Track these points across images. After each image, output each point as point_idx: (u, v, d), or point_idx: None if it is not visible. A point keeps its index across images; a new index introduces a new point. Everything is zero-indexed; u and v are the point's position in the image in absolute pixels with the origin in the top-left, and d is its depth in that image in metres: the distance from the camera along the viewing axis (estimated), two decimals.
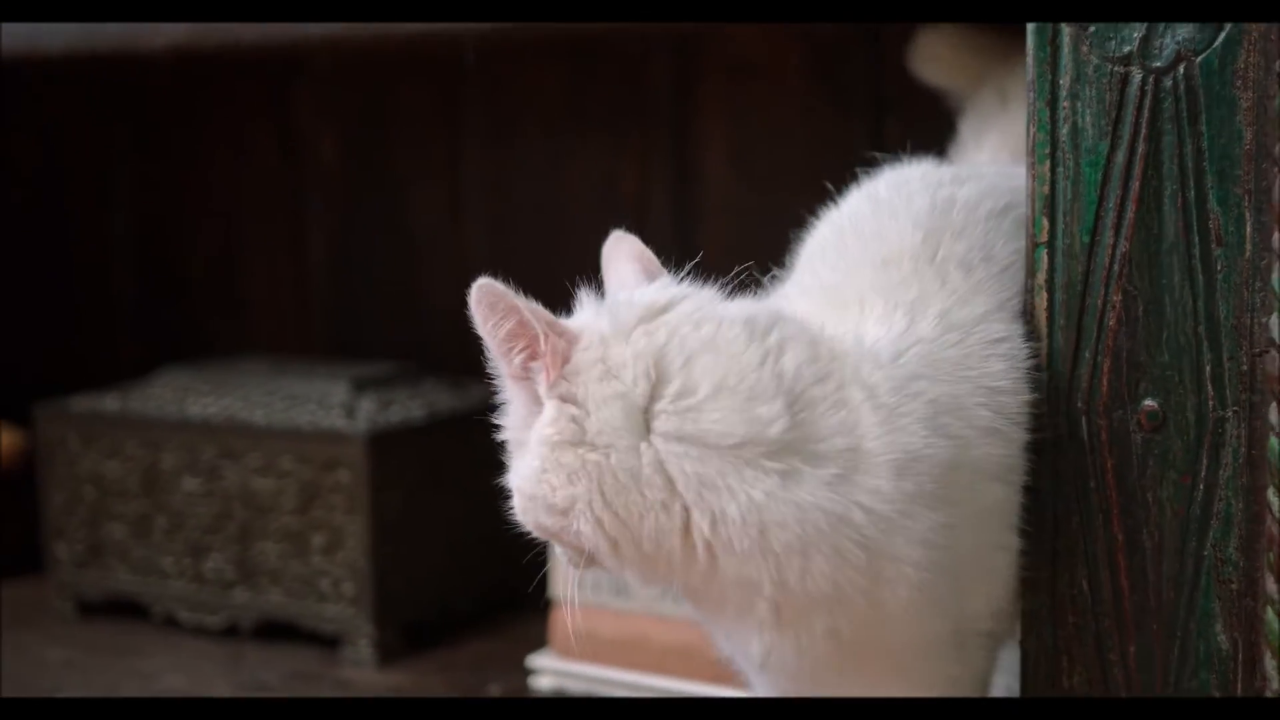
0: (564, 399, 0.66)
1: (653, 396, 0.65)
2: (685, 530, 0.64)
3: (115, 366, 1.53)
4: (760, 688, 0.73)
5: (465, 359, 1.45)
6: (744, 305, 0.68)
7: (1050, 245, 0.67)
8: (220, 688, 1.09)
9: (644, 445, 0.64)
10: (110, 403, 1.24)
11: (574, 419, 0.65)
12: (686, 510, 0.64)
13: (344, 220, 1.50)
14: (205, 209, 1.56)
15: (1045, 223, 0.67)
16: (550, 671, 1.08)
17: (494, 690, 1.08)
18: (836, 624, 0.64)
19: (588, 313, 0.69)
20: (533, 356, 0.66)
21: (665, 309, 0.67)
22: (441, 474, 1.19)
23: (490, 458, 1.19)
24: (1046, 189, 0.67)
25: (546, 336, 0.66)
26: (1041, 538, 0.68)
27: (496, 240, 1.45)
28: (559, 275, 1.42)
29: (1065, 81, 0.66)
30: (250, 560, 1.18)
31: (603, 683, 1.06)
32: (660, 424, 0.64)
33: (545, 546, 1.14)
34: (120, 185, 1.59)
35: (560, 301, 1.36)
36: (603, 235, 1.38)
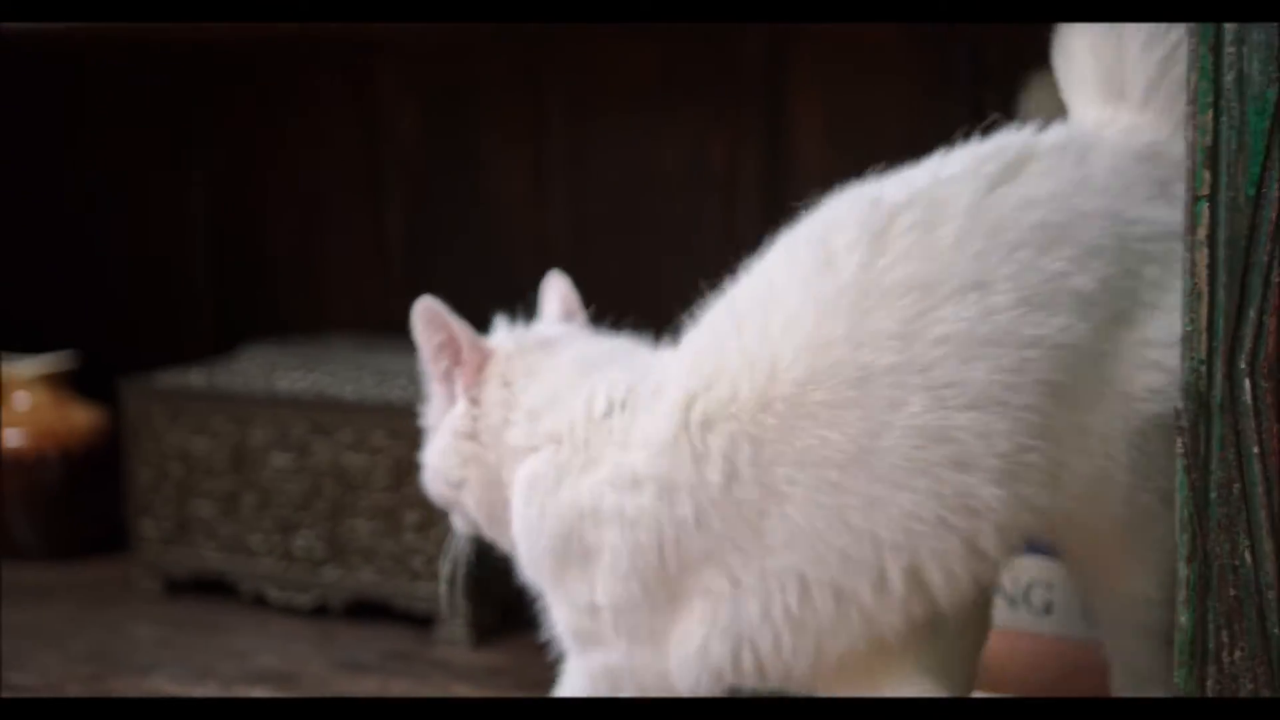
0: (472, 400, 0.82)
1: (512, 405, 0.81)
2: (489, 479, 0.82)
3: (196, 346, 1.52)
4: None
5: None
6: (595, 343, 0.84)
7: (1212, 199, 0.64)
8: (315, 667, 1.08)
9: (500, 442, 0.81)
10: (196, 378, 1.23)
11: (474, 417, 0.82)
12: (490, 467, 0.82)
13: (424, 196, 1.49)
14: (284, 186, 1.54)
15: (1207, 175, 0.64)
16: None
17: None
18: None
19: (502, 334, 0.85)
20: (456, 363, 0.82)
21: (553, 343, 0.83)
22: None
23: None
24: (1209, 140, 0.64)
25: (469, 349, 0.82)
26: (1201, 506, 0.65)
27: (579, 215, 1.43)
28: (644, 251, 1.40)
29: (1231, 25, 0.63)
30: (341, 538, 1.16)
31: None
32: (511, 427, 0.81)
33: None
34: (199, 164, 1.57)
35: (644, 275, 1.35)
36: (692, 211, 1.37)
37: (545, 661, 1.07)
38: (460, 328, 0.82)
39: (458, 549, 0.91)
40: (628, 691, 0.79)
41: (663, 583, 0.75)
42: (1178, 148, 0.67)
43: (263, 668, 1.08)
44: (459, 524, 0.88)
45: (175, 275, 1.59)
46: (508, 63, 1.42)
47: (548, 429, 0.79)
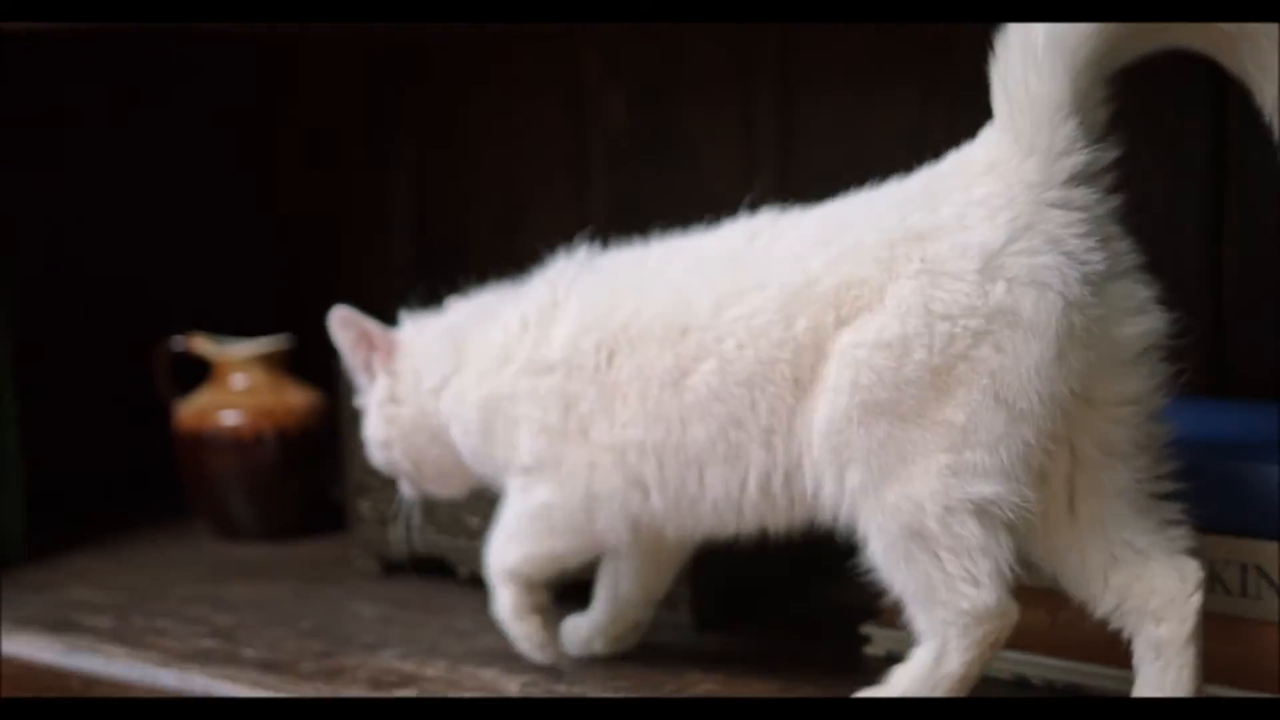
0: (388, 373, 1.04)
1: (418, 372, 1.04)
2: (441, 442, 1.03)
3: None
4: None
5: None
6: (465, 301, 1.08)
7: None
8: None
9: (418, 400, 1.03)
10: None
11: (390, 385, 1.04)
12: (435, 433, 1.03)
13: (630, 180, 1.48)
14: (488, 170, 1.55)
15: None
16: (884, 638, 1.03)
17: (822, 656, 1.04)
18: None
19: (407, 327, 1.06)
20: (371, 350, 1.05)
21: (433, 324, 1.06)
22: None
23: None
24: None
25: (379, 337, 1.05)
26: None
27: (790, 198, 1.40)
28: None
29: None
30: None
31: None
32: (422, 386, 1.03)
33: None
34: (401, 147, 1.59)
35: None
36: None
37: (773, 648, 1.06)
38: (370, 323, 1.05)
39: (407, 511, 1.14)
40: (559, 523, 0.98)
41: (564, 440, 0.96)
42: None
43: (488, 648, 1.08)
44: (405, 489, 1.08)
45: (380, 260, 1.61)
46: (716, 45, 1.41)
47: (457, 359, 1.02)
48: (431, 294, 1.58)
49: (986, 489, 0.81)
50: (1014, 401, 0.80)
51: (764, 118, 1.40)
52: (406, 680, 1.02)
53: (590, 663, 1.04)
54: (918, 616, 0.86)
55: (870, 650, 1.04)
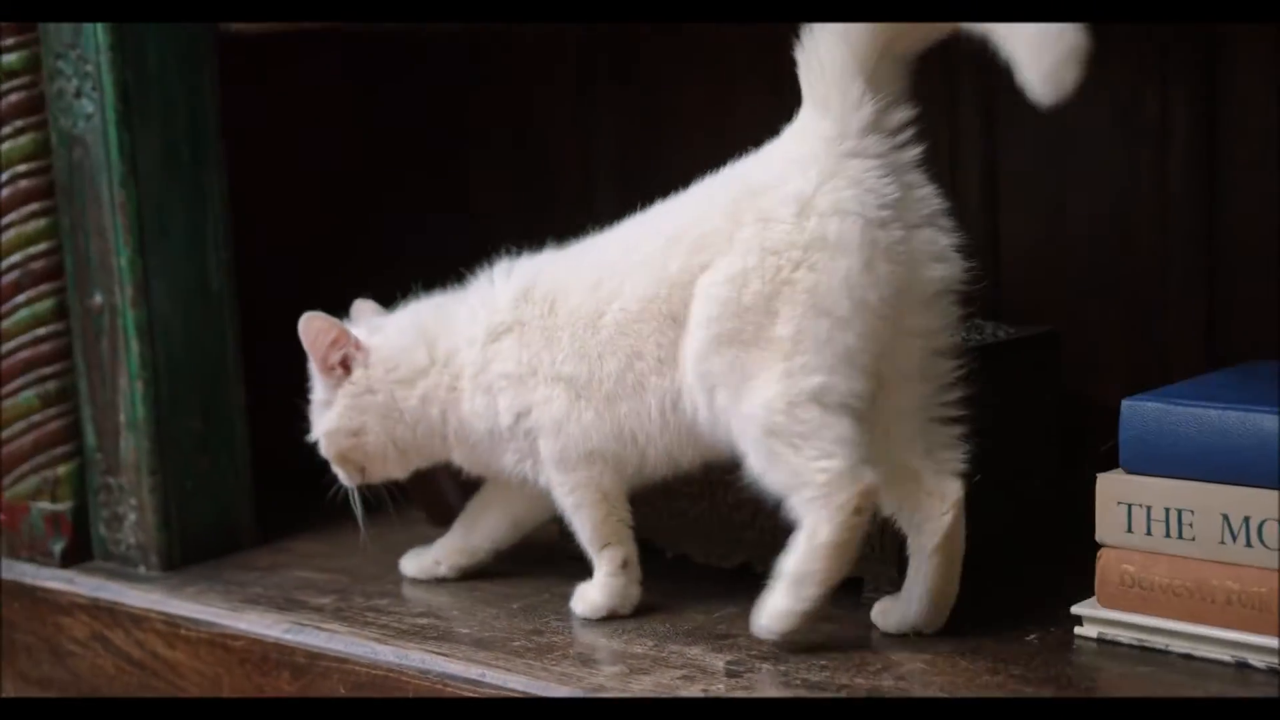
0: (364, 367, 1.16)
1: (387, 364, 1.17)
2: (408, 425, 1.17)
3: None
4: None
5: (965, 300, 1.40)
6: (425, 300, 1.21)
7: None
8: (744, 627, 1.07)
9: (388, 390, 1.16)
10: None
11: (366, 380, 1.16)
12: (402, 414, 1.17)
13: None
14: (689, 160, 1.56)
15: None
16: (1095, 620, 1.01)
17: (1032, 639, 1.03)
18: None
19: (360, 329, 1.19)
20: (344, 350, 1.17)
21: (384, 324, 1.19)
22: None
23: (1006, 398, 1.14)
24: None
25: (354, 337, 1.17)
26: None
27: (996, 179, 1.38)
28: (1072, 210, 1.35)
29: None
30: (763, 500, 1.15)
31: (1156, 633, 0.98)
32: (389, 378, 1.16)
33: (1074, 492, 1.08)
34: (602, 139, 1.61)
35: (1069, 233, 1.28)
36: (1125, 168, 1.30)
37: (984, 630, 1.05)
38: (343, 325, 1.17)
39: (355, 498, 1.22)
40: (569, 454, 1.11)
41: (521, 381, 1.12)
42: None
43: (695, 626, 1.09)
44: (344, 477, 1.20)
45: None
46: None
47: (430, 354, 1.16)
48: None
49: (816, 380, 0.96)
50: (831, 310, 0.96)
51: (967, 94, 1.38)
52: (615, 657, 1.04)
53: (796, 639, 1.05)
54: (794, 508, 0.99)
55: (1081, 632, 1.02)
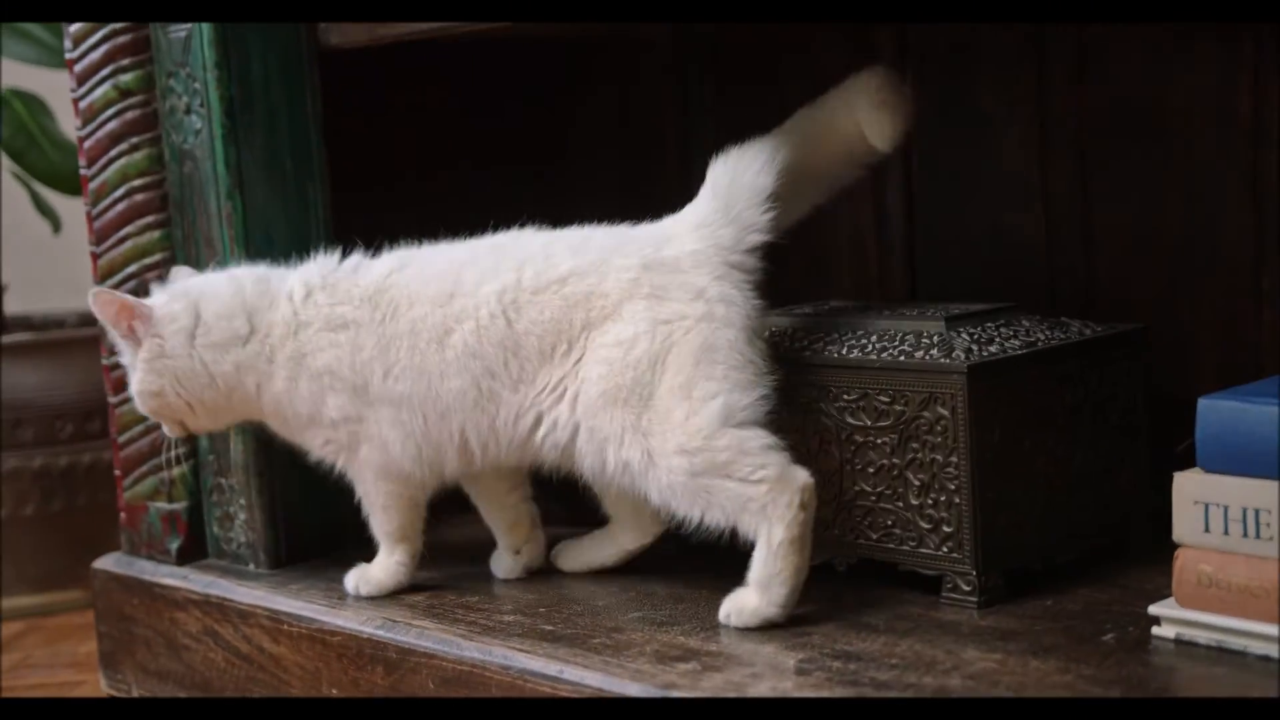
0: (155, 335, 1.23)
1: (194, 329, 1.23)
2: (220, 390, 1.23)
3: None
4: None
5: (1055, 297, 1.39)
6: (242, 270, 1.27)
7: None
8: (824, 625, 1.09)
9: (191, 352, 1.23)
10: None
11: (160, 345, 1.23)
12: (214, 379, 1.23)
13: (924, 163, 1.47)
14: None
15: None
16: (1173, 620, 1.00)
17: (1110, 639, 1.02)
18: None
19: (160, 295, 1.26)
20: (132, 319, 1.23)
21: (190, 290, 1.26)
22: (1042, 413, 1.13)
23: (1096, 395, 1.13)
24: None
25: (139, 307, 1.23)
26: None
27: (1084, 173, 1.37)
28: (1167, 208, 1.33)
29: None
30: (846, 500, 1.16)
31: (1234, 634, 0.97)
32: (197, 341, 1.23)
33: (1149, 492, 1.07)
34: (700, 138, 1.62)
35: (1160, 227, 1.27)
36: (1219, 159, 1.28)
37: (1060, 629, 1.04)
38: (128, 297, 1.23)
39: (173, 451, 1.36)
40: (390, 470, 1.22)
41: (357, 392, 1.20)
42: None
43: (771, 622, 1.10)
44: (167, 430, 1.28)
45: None
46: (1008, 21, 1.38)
47: (249, 324, 1.23)
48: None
49: (718, 403, 1.09)
50: (718, 358, 1.10)
51: (1058, 87, 1.37)
52: (689, 654, 1.05)
53: (868, 636, 1.05)
54: (744, 525, 1.08)
55: (1159, 632, 1.01)
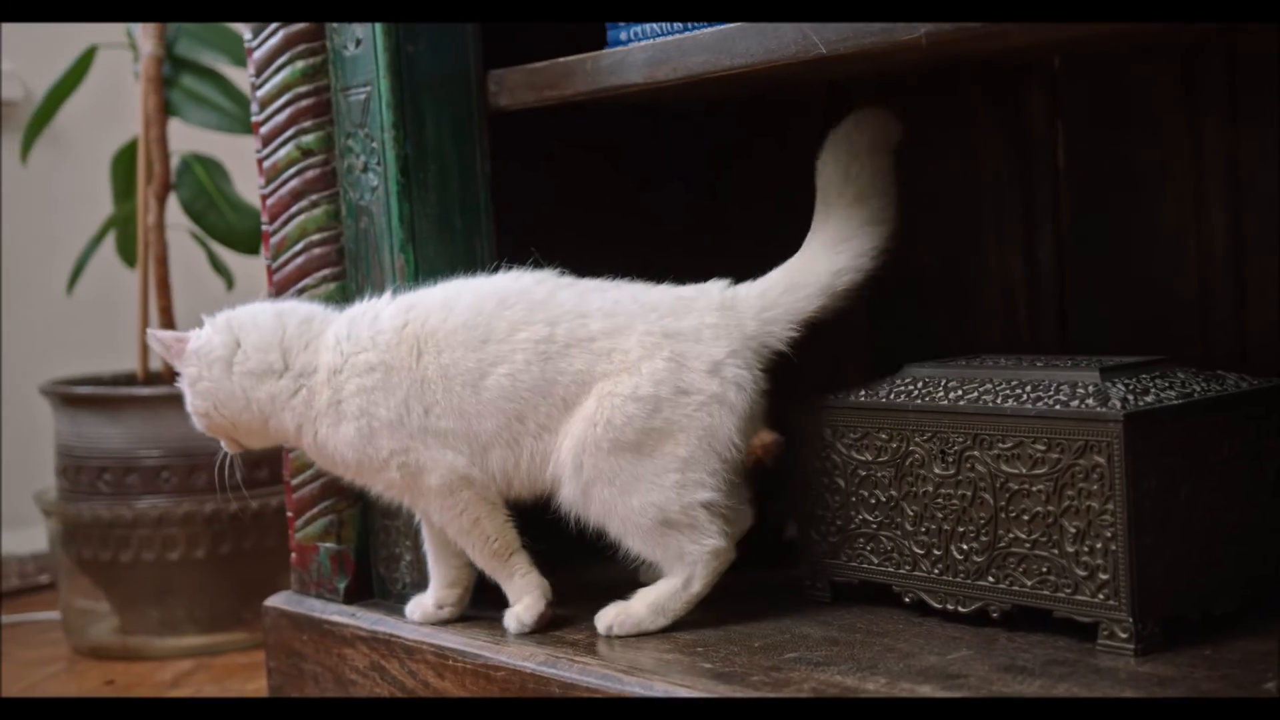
0: (193, 363, 1.32)
1: (231, 358, 1.31)
2: (256, 415, 1.32)
3: (851, 370, 1.60)
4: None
5: (1210, 350, 1.40)
6: (291, 305, 1.36)
7: None
8: (978, 669, 1.10)
9: (230, 378, 1.31)
10: (859, 396, 1.30)
11: (198, 371, 1.32)
12: (250, 403, 1.31)
13: (1076, 217, 1.49)
14: (933, 211, 1.59)
15: None
16: None
17: (1271, 688, 1.02)
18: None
19: (206, 326, 1.34)
20: (180, 347, 1.33)
21: (233, 320, 1.34)
22: (1199, 462, 1.14)
23: (1253, 447, 1.14)
24: None
25: (179, 340, 1.33)
26: None
27: (1242, 229, 1.38)
28: None
29: None
30: (1000, 547, 1.18)
31: None
32: (235, 369, 1.31)
33: None
34: None
35: None
36: None
37: (1218, 677, 1.05)
38: (171, 334, 1.34)
39: (223, 463, 1.40)
40: (453, 481, 1.29)
41: (396, 426, 1.28)
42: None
43: (927, 666, 1.12)
44: (225, 446, 1.37)
45: None
46: (1159, 73, 1.40)
47: (284, 360, 1.31)
48: (879, 351, 1.65)
49: (707, 495, 1.25)
50: (718, 448, 1.25)
51: (1211, 140, 1.38)
52: (846, 693, 1.08)
53: (1024, 680, 1.07)
54: (668, 564, 1.27)
55: None
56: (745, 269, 1.37)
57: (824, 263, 1.30)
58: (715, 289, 1.31)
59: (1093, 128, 1.47)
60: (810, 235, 1.32)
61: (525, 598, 1.32)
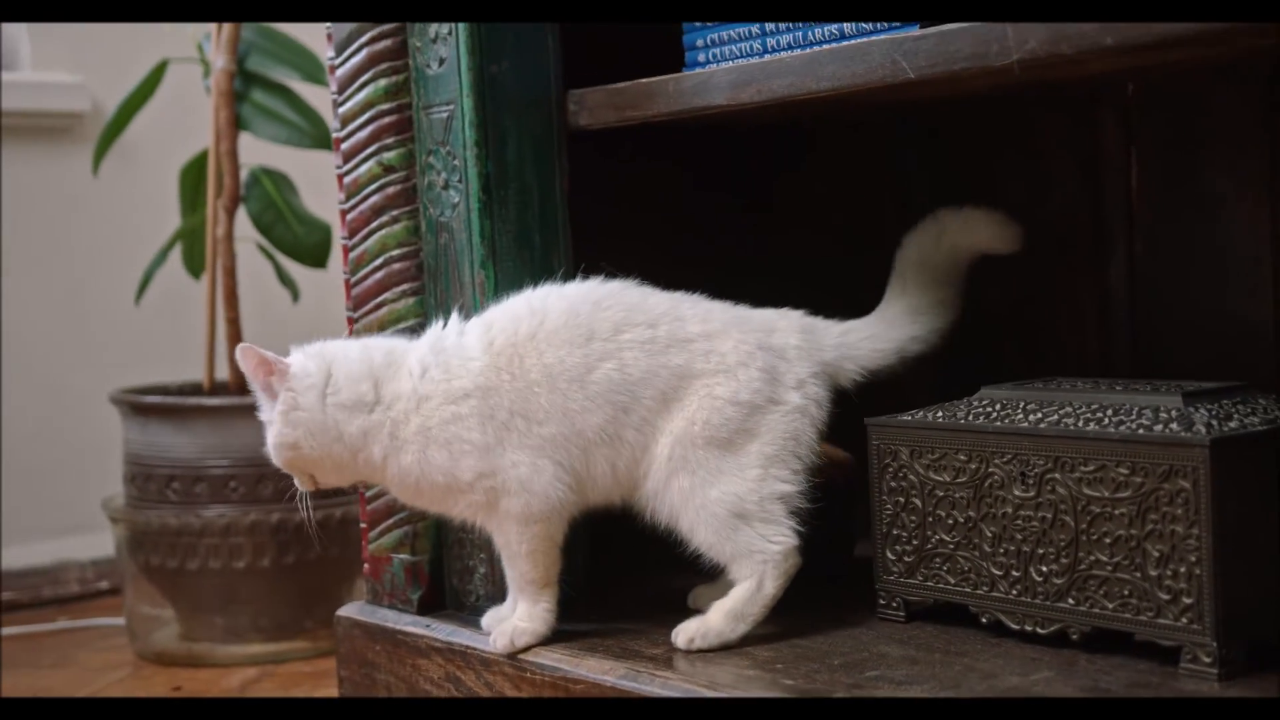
0: (289, 390, 1.31)
1: (324, 388, 1.31)
2: (346, 447, 1.32)
3: (918, 397, 1.61)
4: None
5: None
6: (375, 340, 1.39)
7: None
8: (1060, 690, 1.11)
9: (324, 409, 1.31)
10: (936, 417, 1.31)
11: (294, 399, 1.31)
12: (341, 436, 1.31)
13: (1148, 244, 1.50)
14: None
15: None
16: None
17: None
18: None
19: (297, 354, 1.34)
20: (269, 374, 1.31)
21: (324, 350, 1.34)
22: None
23: None
24: None
25: (275, 362, 1.31)
26: None
27: None
28: None
29: None
30: (1081, 570, 1.19)
31: None
32: (328, 399, 1.31)
33: None
34: (914, 213, 1.67)
35: None
36: None
37: None
38: (266, 353, 1.31)
39: (304, 500, 1.38)
40: (534, 511, 1.31)
41: (488, 450, 1.30)
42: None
43: (1012, 687, 1.13)
44: (298, 483, 1.36)
45: None
46: (1241, 98, 1.41)
47: (375, 393, 1.32)
48: (946, 375, 1.66)
49: (786, 489, 1.31)
50: (799, 451, 1.32)
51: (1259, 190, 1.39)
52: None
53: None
54: (738, 566, 1.30)
55: None
56: (800, 289, 1.40)
57: (903, 329, 1.39)
58: (796, 315, 1.38)
59: (1167, 152, 1.48)
60: (889, 299, 1.41)
61: (530, 625, 1.34)
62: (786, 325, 1.36)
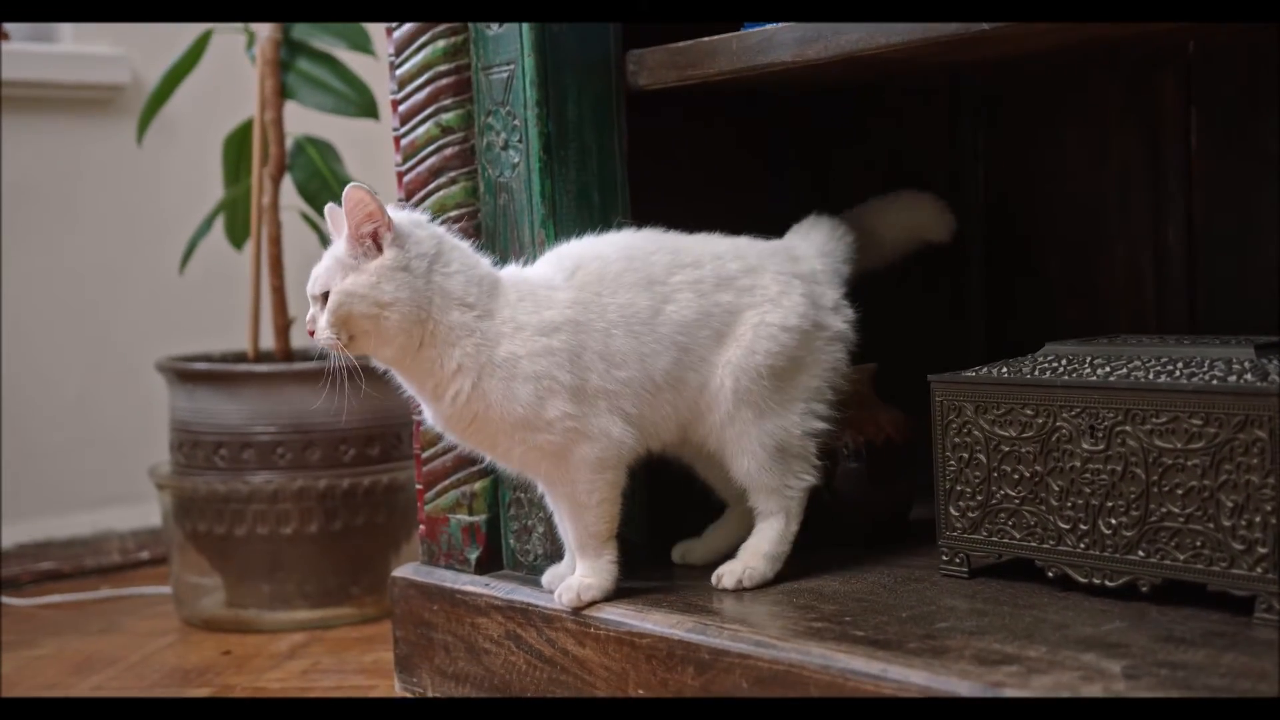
0: (399, 247, 1.26)
1: (434, 262, 1.28)
2: (425, 332, 1.27)
3: (972, 355, 1.61)
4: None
5: None
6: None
7: None
8: (1138, 638, 1.12)
9: (429, 282, 1.27)
10: (1002, 372, 1.31)
11: (406, 261, 1.26)
12: (424, 320, 1.27)
13: (1207, 205, 1.50)
14: (1060, 196, 1.61)
15: None
16: None
17: None
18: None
19: (404, 216, 1.30)
20: (379, 226, 1.26)
21: (436, 230, 1.31)
22: None
23: None
24: None
25: (389, 217, 1.26)
26: None
27: None
28: None
29: None
30: (1152, 522, 1.19)
31: None
32: (435, 275, 1.27)
33: None
34: (973, 177, 1.67)
35: None
36: None
37: None
38: (379, 202, 1.25)
39: (343, 360, 1.28)
40: (608, 457, 1.31)
41: (575, 392, 1.29)
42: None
43: (1085, 636, 1.13)
44: (326, 338, 1.26)
45: (950, 296, 1.69)
46: None
47: (479, 302, 1.28)
48: (999, 335, 1.66)
49: (820, 425, 1.37)
50: (835, 381, 1.39)
51: None
52: (1009, 659, 1.09)
53: (1186, 650, 1.07)
54: (768, 501, 1.36)
55: None
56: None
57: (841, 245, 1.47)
58: (804, 231, 1.46)
59: (1226, 115, 1.48)
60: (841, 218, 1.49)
61: (596, 579, 1.34)
62: (806, 249, 1.43)
